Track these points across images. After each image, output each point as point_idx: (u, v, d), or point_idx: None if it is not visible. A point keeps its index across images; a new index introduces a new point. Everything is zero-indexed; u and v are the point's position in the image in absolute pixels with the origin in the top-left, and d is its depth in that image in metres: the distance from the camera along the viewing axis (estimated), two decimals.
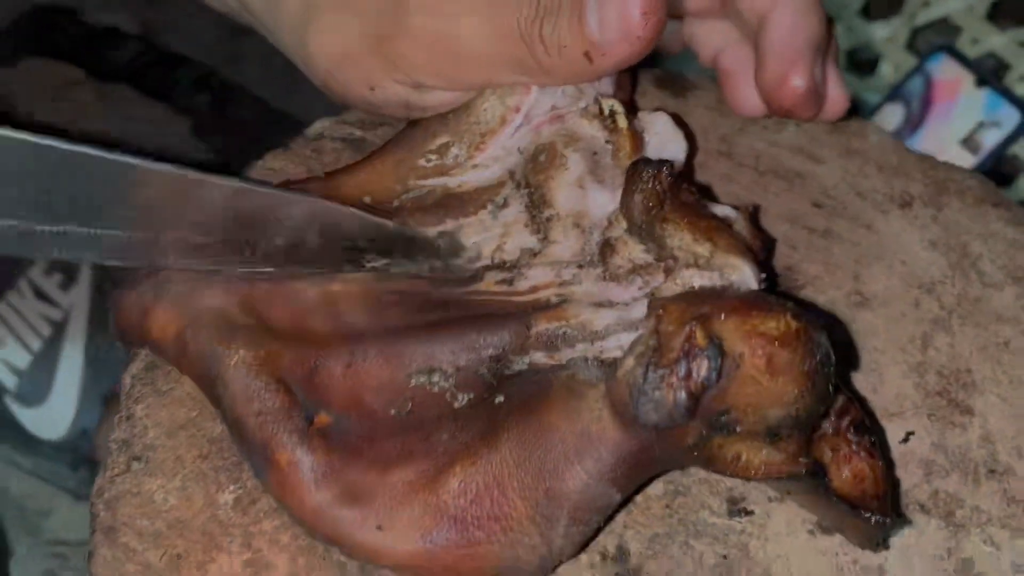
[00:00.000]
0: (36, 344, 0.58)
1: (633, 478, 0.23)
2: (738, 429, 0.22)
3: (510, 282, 0.27)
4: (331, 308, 0.26)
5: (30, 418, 0.58)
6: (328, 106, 0.36)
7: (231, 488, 0.25)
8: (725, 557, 0.25)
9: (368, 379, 0.25)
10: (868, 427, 0.24)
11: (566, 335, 0.25)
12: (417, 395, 0.25)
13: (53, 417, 0.58)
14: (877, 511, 0.23)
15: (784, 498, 0.26)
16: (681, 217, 0.24)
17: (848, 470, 0.23)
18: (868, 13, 0.75)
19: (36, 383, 0.58)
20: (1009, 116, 0.68)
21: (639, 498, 0.26)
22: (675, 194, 0.25)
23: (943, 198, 0.35)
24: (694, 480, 0.27)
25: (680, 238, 0.24)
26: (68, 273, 0.61)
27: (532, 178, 0.28)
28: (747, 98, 0.33)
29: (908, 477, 0.27)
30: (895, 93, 0.73)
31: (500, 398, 0.24)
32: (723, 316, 0.21)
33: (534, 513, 0.22)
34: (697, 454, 0.22)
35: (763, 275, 0.24)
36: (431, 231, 0.28)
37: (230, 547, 0.24)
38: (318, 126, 0.34)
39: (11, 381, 0.57)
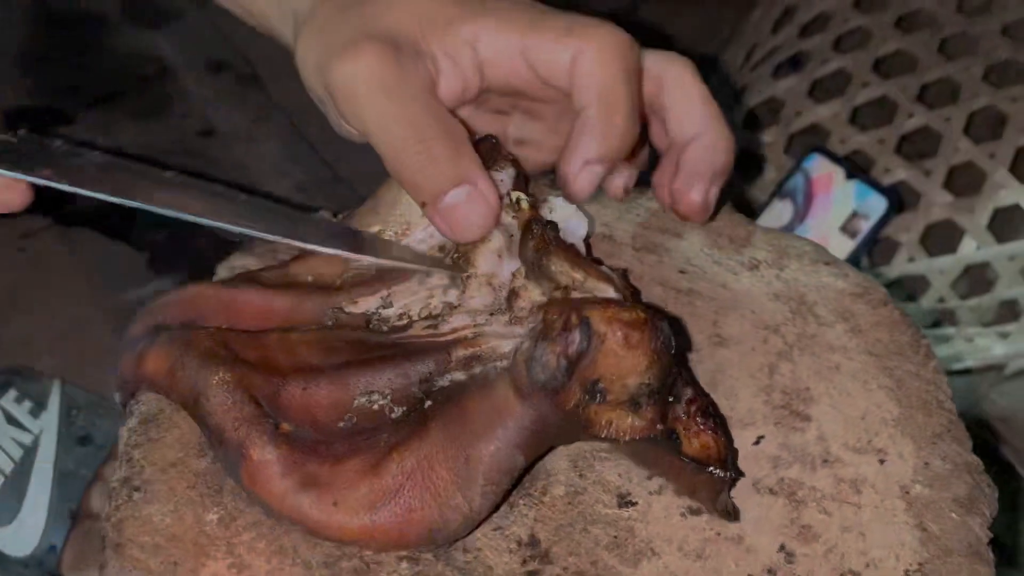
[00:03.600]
0: (8, 467, 0.64)
1: (533, 444, 0.31)
2: (608, 398, 0.30)
3: (435, 327, 0.35)
4: (291, 349, 0.33)
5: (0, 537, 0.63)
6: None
7: (215, 510, 0.32)
8: (615, 537, 0.33)
9: (320, 400, 0.32)
10: (712, 412, 0.32)
11: (480, 357, 0.33)
12: (360, 412, 0.32)
13: (22, 535, 0.63)
14: (720, 468, 0.31)
15: (660, 490, 0.34)
16: (562, 254, 0.33)
17: (697, 442, 0.31)
18: (748, 125, 0.88)
19: (7, 503, 0.63)
20: (877, 203, 0.80)
21: (546, 498, 0.34)
22: (558, 240, 0.34)
23: (784, 260, 0.44)
24: (590, 482, 0.34)
25: (561, 267, 0.33)
26: (38, 401, 0.67)
27: (460, 246, 0.36)
28: (664, 197, 0.42)
29: (760, 469, 0.35)
30: (782, 191, 0.84)
31: (428, 403, 0.32)
32: (591, 307, 0.29)
33: (456, 478, 0.30)
34: (579, 419, 0.30)
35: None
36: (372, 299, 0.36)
37: (216, 554, 0.31)
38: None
39: None
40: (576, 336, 0.30)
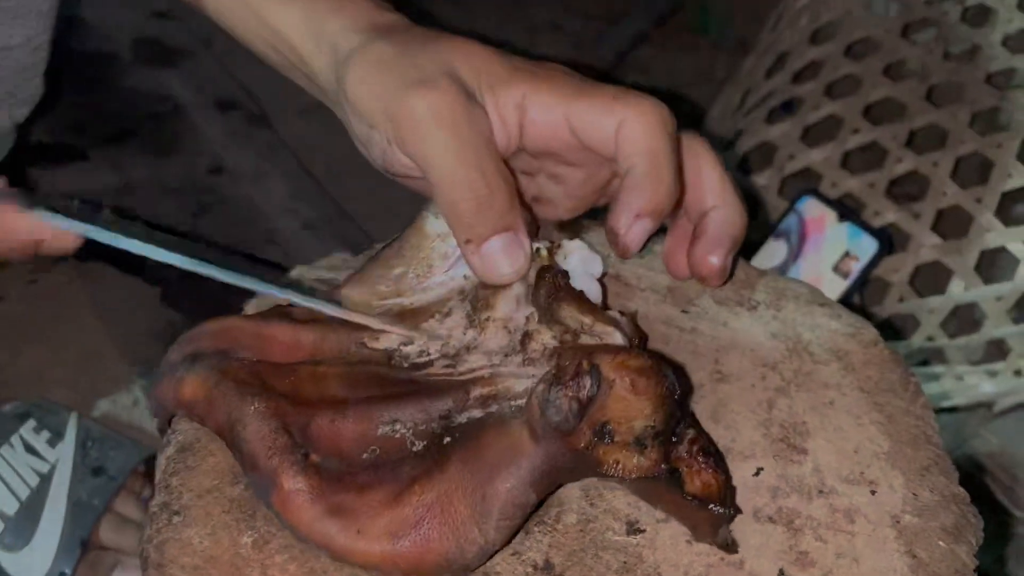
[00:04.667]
0: (24, 493, 0.65)
1: (545, 482, 0.33)
2: (616, 439, 0.32)
3: (453, 366, 0.37)
4: (319, 382, 0.36)
5: (11, 562, 0.65)
6: (285, 270, 0.46)
7: (249, 533, 0.34)
8: (625, 563, 0.35)
9: (347, 432, 0.34)
10: (713, 452, 0.34)
11: (496, 395, 0.35)
12: (383, 443, 0.34)
13: (34, 561, 0.65)
14: (720, 505, 0.33)
15: (667, 518, 0.36)
16: (571, 300, 0.35)
17: (699, 480, 0.33)
18: (743, 168, 0.91)
19: (21, 529, 0.65)
20: (868, 245, 0.82)
21: (559, 526, 0.36)
22: (568, 287, 0.36)
23: (781, 302, 0.46)
24: (600, 511, 0.36)
25: (570, 312, 0.35)
26: (56, 432, 0.69)
27: (481, 291, 0.39)
28: (679, 264, 0.44)
29: (759, 499, 0.37)
30: (776, 231, 0.87)
31: (448, 439, 0.34)
32: (602, 354, 0.32)
33: (473, 513, 0.32)
34: (588, 458, 0.32)
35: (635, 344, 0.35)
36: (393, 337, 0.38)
37: (251, 575, 0.33)
38: (295, 272, 0.45)
39: None
40: (587, 381, 0.32)
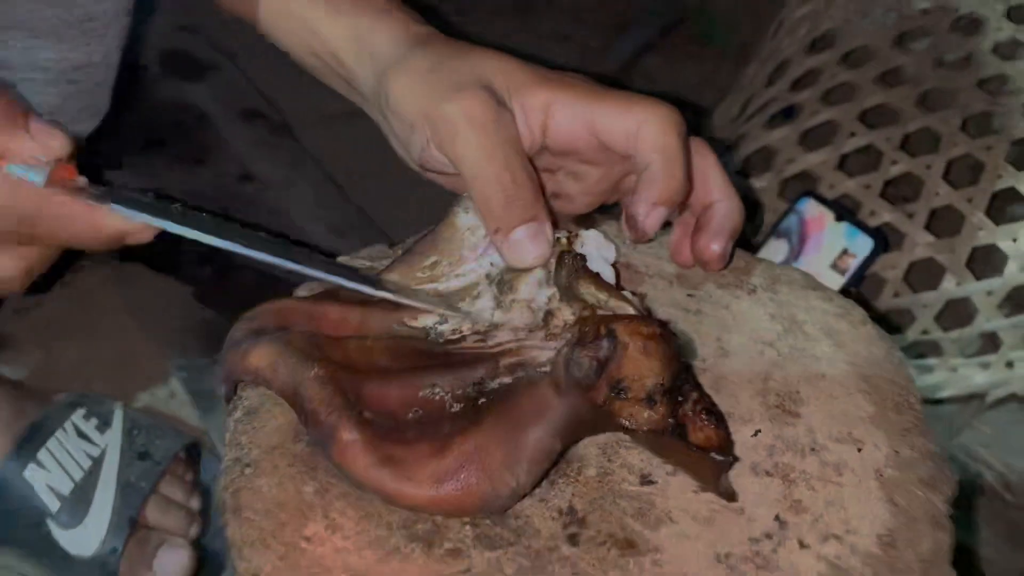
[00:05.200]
0: (78, 474, 0.71)
1: (568, 433, 0.38)
2: (629, 395, 0.37)
3: (483, 341, 0.42)
4: (367, 354, 0.41)
5: (67, 538, 0.70)
6: (335, 257, 0.51)
7: (311, 483, 0.39)
8: (639, 508, 0.40)
9: (392, 395, 0.40)
10: (714, 411, 0.39)
11: (522, 364, 0.40)
12: (425, 404, 0.40)
13: (87, 537, 0.70)
14: (720, 453, 0.38)
15: (676, 472, 0.41)
16: (588, 278, 0.41)
17: (701, 434, 0.38)
18: (744, 172, 0.96)
19: (75, 508, 0.70)
20: (865, 243, 0.87)
21: (580, 478, 0.41)
22: (586, 268, 0.41)
23: (777, 286, 0.51)
24: (617, 465, 0.42)
25: (588, 290, 0.41)
26: (104, 420, 0.74)
27: (506, 275, 0.44)
28: (685, 253, 0.50)
29: (758, 456, 0.42)
30: (777, 231, 0.92)
31: (482, 400, 0.39)
32: (618, 322, 0.37)
33: (506, 459, 0.37)
34: (606, 412, 0.37)
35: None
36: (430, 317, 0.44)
37: (315, 518, 0.38)
38: (343, 260, 0.50)
39: (55, 506, 0.69)
40: (605, 344, 0.37)
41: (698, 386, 0.40)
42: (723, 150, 0.99)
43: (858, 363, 0.47)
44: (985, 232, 0.86)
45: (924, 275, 0.89)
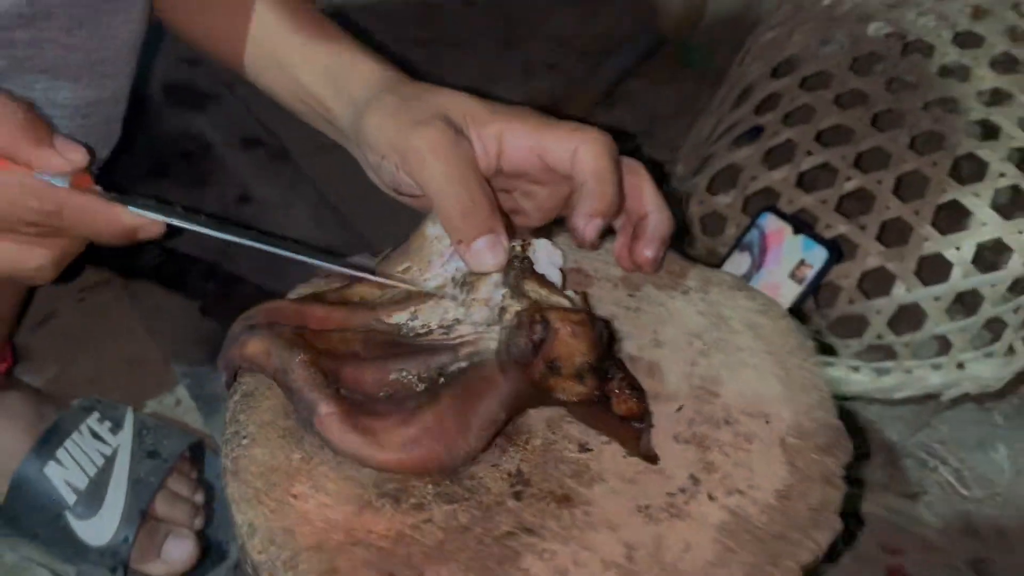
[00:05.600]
0: (92, 471, 0.79)
1: (511, 404, 0.46)
2: (562, 372, 0.45)
3: (447, 334, 0.51)
4: (346, 343, 0.49)
5: (83, 528, 0.78)
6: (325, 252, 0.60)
7: (298, 452, 0.48)
8: (577, 470, 0.48)
9: (367, 377, 0.48)
10: (636, 387, 0.47)
11: (478, 352, 0.48)
12: (395, 385, 0.48)
13: (101, 527, 0.78)
14: (639, 422, 0.46)
15: (610, 441, 0.49)
16: (533, 278, 0.49)
17: (624, 405, 0.47)
18: (711, 189, 1.04)
19: (90, 501, 0.78)
20: (820, 254, 0.96)
21: (528, 447, 0.49)
22: (531, 269, 0.50)
23: (708, 287, 0.60)
24: (559, 437, 0.50)
25: (532, 287, 0.49)
26: (116, 422, 0.82)
27: (469, 277, 0.52)
28: (625, 258, 0.58)
29: (679, 427, 0.51)
30: (740, 244, 1.00)
31: (442, 380, 0.47)
32: (550, 310, 0.45)
33: (460, 427, 0.45)
34: (543, 386, 0.45)
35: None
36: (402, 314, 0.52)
37: (301, 479, 0.46)
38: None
39: (71, 498, 0.77)
40: (539, 328, 0.45)
41: (623, 367, 0.48)
42: (694, 171, 1.08)
43: (774, 351, 0.55)
44: (931, 242, 0.94)
45: (876, 283, 0.97)
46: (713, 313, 0.58)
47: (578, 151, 0.52)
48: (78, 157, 0.51)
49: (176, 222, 0.52)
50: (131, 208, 0.52)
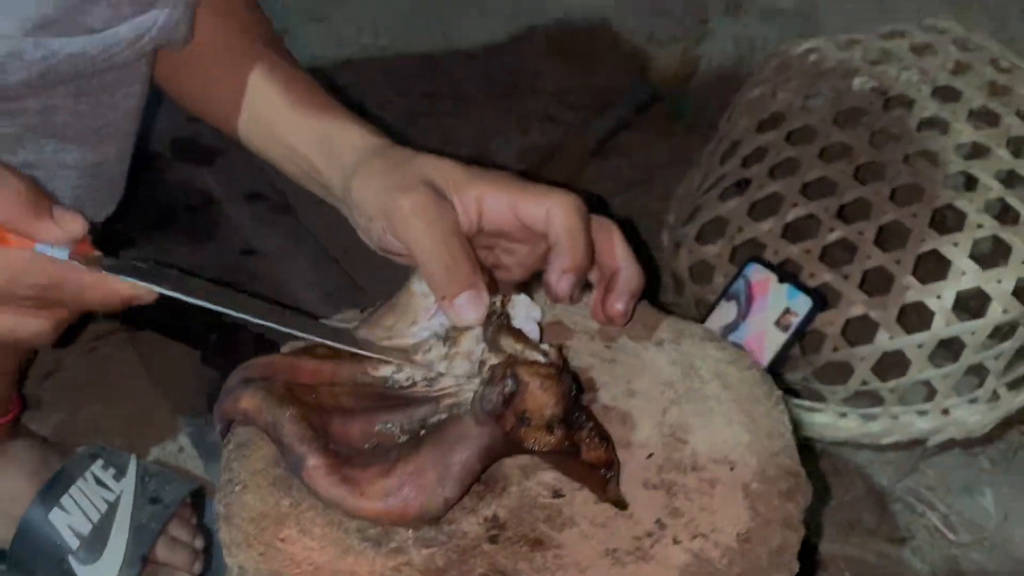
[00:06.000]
0: (96, 516, 0.82)
1: (486, 455, 0.50)
2: (532, 423, 0.49)
3: (430, 387, 0.54)
4: (335, 397, 0.53)
5: (85, 572, 0.81)
6: (315, 318, 0.64)
7: (287, 498, 0.51)
8: (549, 515, 0.51)
9: (353, 430, 0.51)
10: (605, 436, 0.51)
11: (459, 404, 0.52)
12: (380, 437, 0.51)
13: (103, 572, 0.82)
14: (606, 470, 0.49)
15: (582, 488, 0.52)
16: (509, 333, 0.53)
17: (592, 454, 0.50)
18: (700, 239, 1.08)
19: (93, 546, 0.81)
20: (804, 302, 0.99)
21: (504, 493, 0.52)
22: (508, 326, 0.53)
23: (680, 339, 0.63)
24: (534, 483, 0.53)
25: (508, 343, 0.52)
26: (120, 469, 0.86)
27: (451, 332, 0.56)
28: (599, 312, 0.62)
29: (648, 474, 0.54)
30: (727, 293, 1.04)
31: (423, 432, 0.51)
32: (520, 365, 0.49)
33: (438, 477, 0.49)
34: (515, 437, 0.49)
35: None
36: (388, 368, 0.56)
37: (289, 524, 0.50)
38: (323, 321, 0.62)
39: (75, 544, 0.81)
40: (509, 383, 0.49)
41: (592, 416, 0.52)
42: (683, 222, 1.12)
43: (741, 400, 0.59)
44: (912, 291, 0.97)
45: (860, 330, 1.00)
46: (685, 363, 0.61)
47: (551, 211, 0.56)
48: (77, 227, 0.54)
49: (169, 292, 0.55)
50: (125, 278, 0.54)
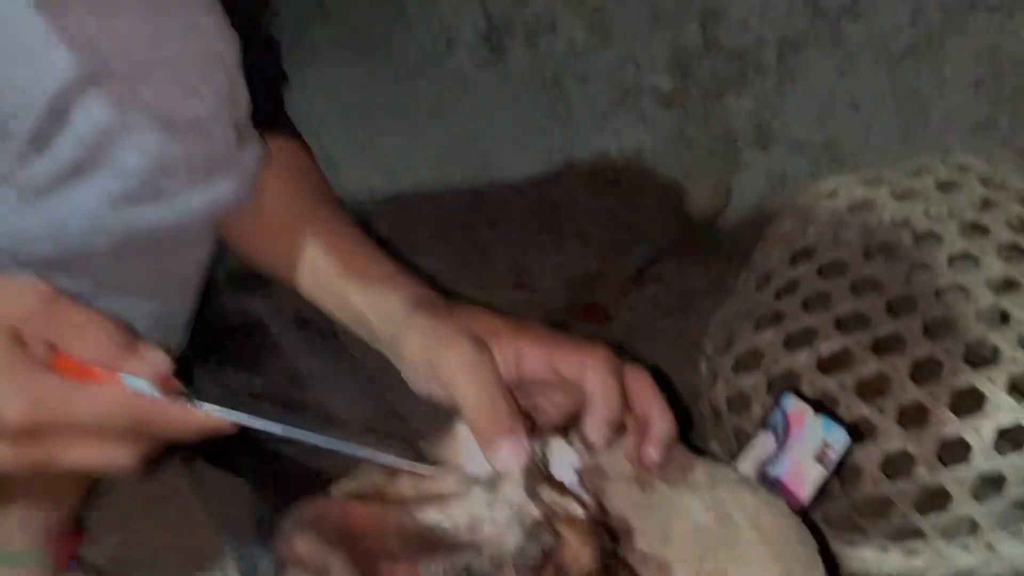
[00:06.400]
0: None
1: None
2: (571, 574, 0.51)
3: (473, 532, 0.57)
4: (382, 541, 0.56)
5: None
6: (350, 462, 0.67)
7: None
8: None
9: (399, 573, 0.54)
10: None
11: (500, 553, 0.55)
12: None
13: None
14: None
15: None
16: (547, 482, 0.56)
17: None
18: (736, 369, 1.11)
19: None
20: (840, 436, 1.01)
21: None
22: (547, 476, 0.56)
23: (715, 483, 0.66)
24: None
25: (548, 494, 0.56)
26: None
27: (494, 478, 0.59)
28: (632, 459, 0.65)
29: None
30: (765, 425, 1.06)
31: None
32: (559, 521, 0.52)
33: None
34: None
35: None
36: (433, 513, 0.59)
37: None
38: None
39: None
40: (548, 537, 0.52)
41: (627, 565, 0.54)
42: (722, 351, 1.15)
43: (774, 543, 0.61)
44: (950, 426, 0.98)
45: (899, 464, 1.01)
46: (719, 509, 0.64)
47: (585, 366, 0.60)
48: (162, 362, 0.58)
49: (246, 422, 0.58)
50: (208, 408, 0.58)
